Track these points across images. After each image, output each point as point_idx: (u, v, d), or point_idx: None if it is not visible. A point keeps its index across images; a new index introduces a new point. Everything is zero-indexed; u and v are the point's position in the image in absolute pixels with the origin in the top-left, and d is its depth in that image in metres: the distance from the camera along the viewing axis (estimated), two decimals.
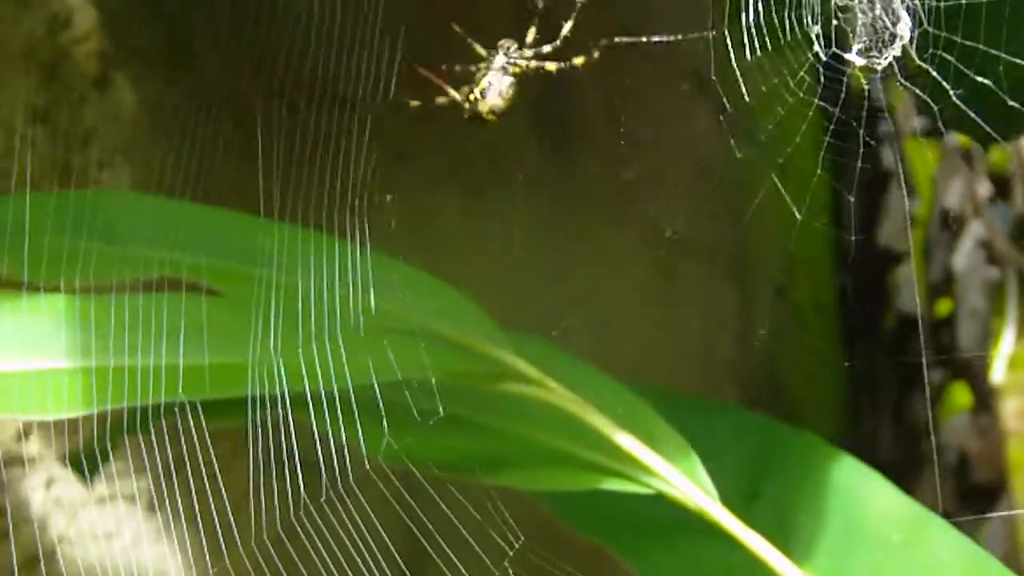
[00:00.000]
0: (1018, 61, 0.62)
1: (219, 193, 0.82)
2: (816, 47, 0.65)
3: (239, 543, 0.74)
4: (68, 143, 1.06)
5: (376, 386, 0.67)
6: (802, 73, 0.66)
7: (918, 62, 0.64)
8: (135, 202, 0.91)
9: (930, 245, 1.61)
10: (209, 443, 0.96)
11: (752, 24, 0.64)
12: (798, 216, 0.69)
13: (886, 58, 0.64)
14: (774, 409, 1.42)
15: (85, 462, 0.83)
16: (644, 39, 0.71)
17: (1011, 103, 0.63)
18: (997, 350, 1.61)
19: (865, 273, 1.55)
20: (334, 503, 0.71)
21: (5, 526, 0.96)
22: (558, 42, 0.75)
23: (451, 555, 0.70)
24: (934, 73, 0.64)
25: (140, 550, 1.04)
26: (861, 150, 0.67)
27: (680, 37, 0.68)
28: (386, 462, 0.72)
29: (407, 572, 0.73)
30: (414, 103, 0.79)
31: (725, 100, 0.66)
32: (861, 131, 0.67)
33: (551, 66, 0.76)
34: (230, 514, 0.75)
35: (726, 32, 0.65)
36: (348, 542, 0.70)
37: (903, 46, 0.64)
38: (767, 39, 0.65)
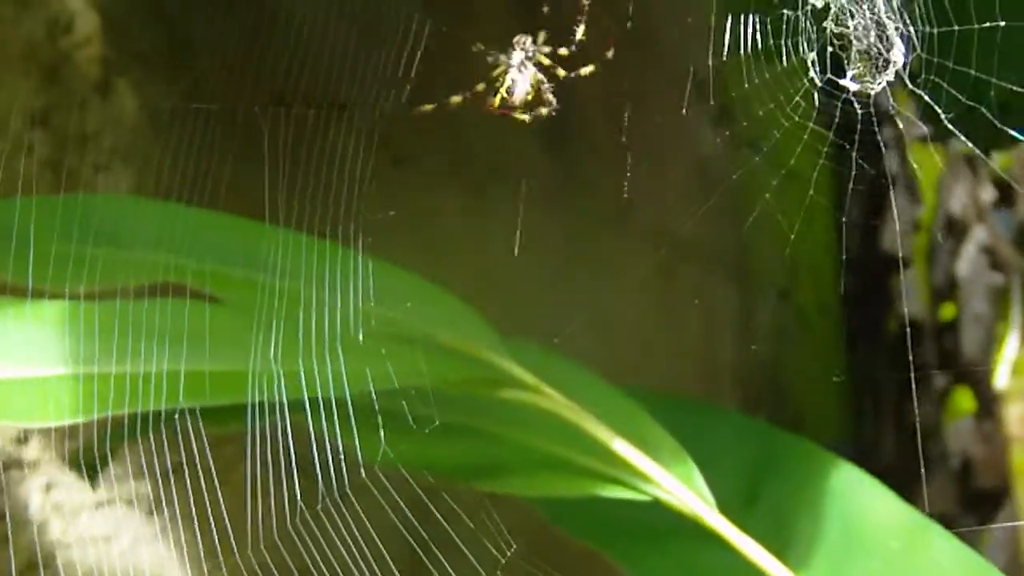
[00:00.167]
0: (1009, 87, 0.63)
1: (219, 197, 0.82)
2: (812, 73, 0.66)
3: (236, 549, 0.74)
4: (68, 147, 1.06)
5: (374, 394, 0.67)
6: (797, 98, 0.66)
7: (911, 87, 0.64)
8: (136, 206, 0.91)
9: (934, 250, 1.61)
10: (208, 448, 0.96)
11: (750, 49, 0.65)
12: (790, 235, 0.70)
13: (879, 83, 0.65)
14: (775, 413, 1.41)
15: (85, 466, 0.83)
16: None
17: (1000, 127, 0.63)
18: (1001, 355, 1.61)
19: (868, 278, 1.54)
20: (330, 510, 0.71)
21: (4, 530, 0.96)
22: (574, 47, 0.76)
23: (445, 563, 0.70)
24: (926, 98, 0.64)
25: (138, 554, 1.04)
26: (845, 155, 0.68)
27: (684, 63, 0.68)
28: (384, 469, 0.72)
29: None
30: (427, 107, 0.79)
31: (721, 111, 0.66)
32: (852, 137, 0.67)
33: (561, 72, 0.76)
34: (227, 520, 0.75)
35: (724, 57, 0.65)
36: (344, 549, 0.70)
37: (896, 71, 0.65)
38: (764, 64, 0.65)
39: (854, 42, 0.65)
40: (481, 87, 0.77)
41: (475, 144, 1.22)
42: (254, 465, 0.73)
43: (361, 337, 0.71)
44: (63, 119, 1.06)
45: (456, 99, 0.78)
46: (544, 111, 0.76)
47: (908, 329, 1.57)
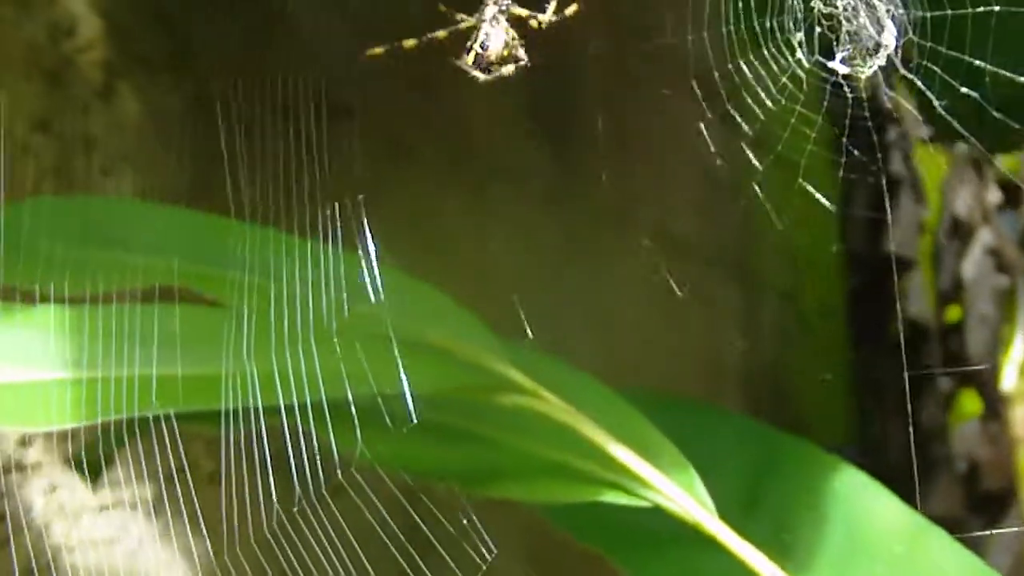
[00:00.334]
0: (1004, 72, 0.62)
1: (221, 200, 0.82)
2: (799, 54, 0.65)
3: (239, 546, 0.75)
4: (72, 151, 1.06)
5: (379, 397, 0.67)
6: (784, 79, 0.66)
7: (903, 72, 0.63)
8: (137, 210, 0.91)
9: (939, 252, 1.60)
10: (211, 450, 0.96)
11: (733, 30, 0.64)
12: (778, 225, 0.69)
13: (870, 67, 0.64)
14: (779, 415, 1.41)
15: (88, 467, 0.83)
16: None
17: (997, 115, 0.63)
18: (1007, 357, 1.60)
19: (873, 279, 1.54)
20: (317, 508, 0.71)
21: (6, 532, 0.96)
22: (550, 14, 0.74)
23: (425, 569, 0.70)
24: (919, 84, 0.63)
25: (141, 556, 1.04)
26: (850, 156, 0.67)
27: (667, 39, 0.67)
28: (377, 472, 0.72)
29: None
30: (377, 50, 0.77)
31: (722, 104, 0.66)
32: (846, 139, 0.66)
33: (544, 17, 0.73)
34: (224, 520, 0.75)
35: (705, 36, 0.65)
36: (340, 543, 0.70)
37: (888, 55, 0.64)
38: (748, 45, 0.64)
39: (843, 23, 0.64)
40: (442, 34, 0.75)
41: (474, 140, 1.22)
42: (252, 464, 0.73)
43: (362, 339, 0.71)
44: (66, 123, 1.06)
45: (410, 42, 0.76)
46: (511, 69, 0.74)
47: (902, 329, 1.57)
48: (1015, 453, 1.59)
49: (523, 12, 0.73)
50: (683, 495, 0.75)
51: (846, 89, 0.64)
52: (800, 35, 0.64)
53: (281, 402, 0.69)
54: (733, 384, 1.43)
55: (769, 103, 0.66)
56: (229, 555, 0.75)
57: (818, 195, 0.67)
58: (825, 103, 0.65)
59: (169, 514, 1.00)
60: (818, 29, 0.64)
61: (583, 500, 0.76)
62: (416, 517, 0.74)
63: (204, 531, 0.79)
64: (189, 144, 0.97)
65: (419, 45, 0.76)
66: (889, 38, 0.63)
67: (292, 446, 0.68)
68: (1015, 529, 1.44)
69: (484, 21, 0.73)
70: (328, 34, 1.12)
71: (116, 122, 1.09)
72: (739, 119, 0.66)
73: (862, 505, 0.83)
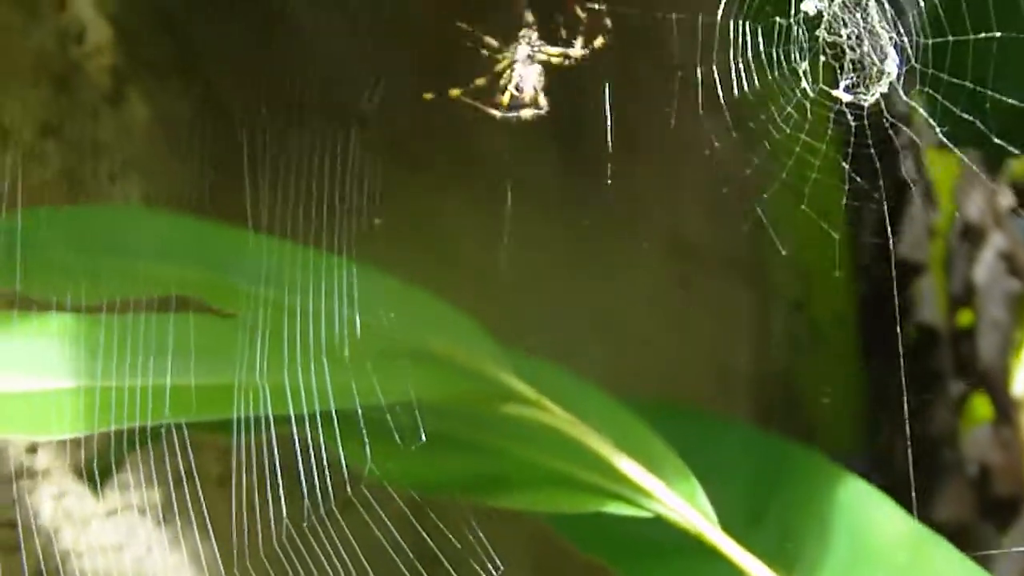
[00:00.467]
0: (1004, 99, 0.62)
1: (230, 207, 0.82)
2: (804, 83, 0.65)
3: (248, 558, 0.75)
4: (81, 157, 1.07)
5: (384, 408, 0.68)
6: (789, 108, 0.66)
7: (905, 99, 0.64)
8: (146, 218, 0.92)
9: (951, 256, 1.60)
10: (219, 456, 0.96)
11: (740, 58, 0.65)
12: (782, 251, 0.69)
13: (873, 94, 0.64)
14: (790, 421, 1.41)
15: (93, 474, 0.84)
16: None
17: (997, 140, 0.63)
18: (1018, 361, 1.60)
19: (884, 284, 1.54)
20: (326, 522, 0.71)
21: (15, 538, 0.97)
22: (579, 48, 0.74)
23: None
24: (920, 110, 0.64)
25: (150, 562, 1.04)
26: (861, 162, 0.67)
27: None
28: (386, 482, 0.73)
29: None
30: (428, 95, 0.78)
31: (729, 130, 0.66)
32: (867, 144, 0.66)
33: (576, 52, 0.74)
34: (234, 527, 0.75)
35: (714, 66, 0.65)
36: (347, 557, 0.70)
37: (890, 83, 0.64)
38: (755, 73, 0.65)
39: (847, 52, 0.65)
40: (481, 82, 0.75)
41: (482, 147, 1.22)
42: (262, 472, 0.73)
43: (373, 354, 0.71)
44: (75, 129, 1.07)
45: (455, 92, 0.76)
46: (530, 113, 0.74)
47: (896, 330, 1.56)
48: None
49: (555, 51, 0.73)
50: (685, 506, 0.75)
51: (849, 116, 0.65)
52: (805, 64, 0.65)
53: (292, 415, 0.69)
54: (742, 392, 1.43)
55: (774, 131, 0.66)
56: (239, 566, 0.75)
57: (822, 223, 0.67)
58: (829, 131, 0.65)
59: (178, 520, 1.00)
60: (822, 58, 0.64)
61: (586, 511, 0.76)
62: (423, 532, 0.74)
63: (212, 537, 0.79)
64: (198, 150, 0.97)
65: (464, 93, 0.77)
66: (892, 65, 0.64)
67: (302, 460, 0.68)
68: (1018, 549, 1.43)
69: (517, 62, 0.73)
70: (336, 40, 1.12)
71: (125, 127, 1.09)
72: (745, 144, 0.66)
73: (866, 515, 0.83)
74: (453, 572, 0.70)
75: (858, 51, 0.64)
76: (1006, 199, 1.59)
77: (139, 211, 0.98)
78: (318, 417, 0.68)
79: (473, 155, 1.20)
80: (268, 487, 0.70)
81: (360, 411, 0.68)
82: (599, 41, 0.72)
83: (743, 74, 0.65)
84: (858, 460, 1.33)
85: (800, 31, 0.65)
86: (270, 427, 0.70)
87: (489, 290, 1.13)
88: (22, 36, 1.04)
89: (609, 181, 0.87)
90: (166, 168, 1.08)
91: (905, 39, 0.64)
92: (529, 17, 0.74)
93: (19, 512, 0.98)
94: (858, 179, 0.66)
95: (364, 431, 0.68)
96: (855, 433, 1.48)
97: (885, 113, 0.65)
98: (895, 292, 1.09)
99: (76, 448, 0.93)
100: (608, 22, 0.70)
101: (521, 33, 0.75)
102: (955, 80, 0.63)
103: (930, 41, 0.64)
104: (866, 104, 0.65)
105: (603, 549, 0.83)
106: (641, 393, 1.23)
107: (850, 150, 0.66)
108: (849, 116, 0.65)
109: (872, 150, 0.67)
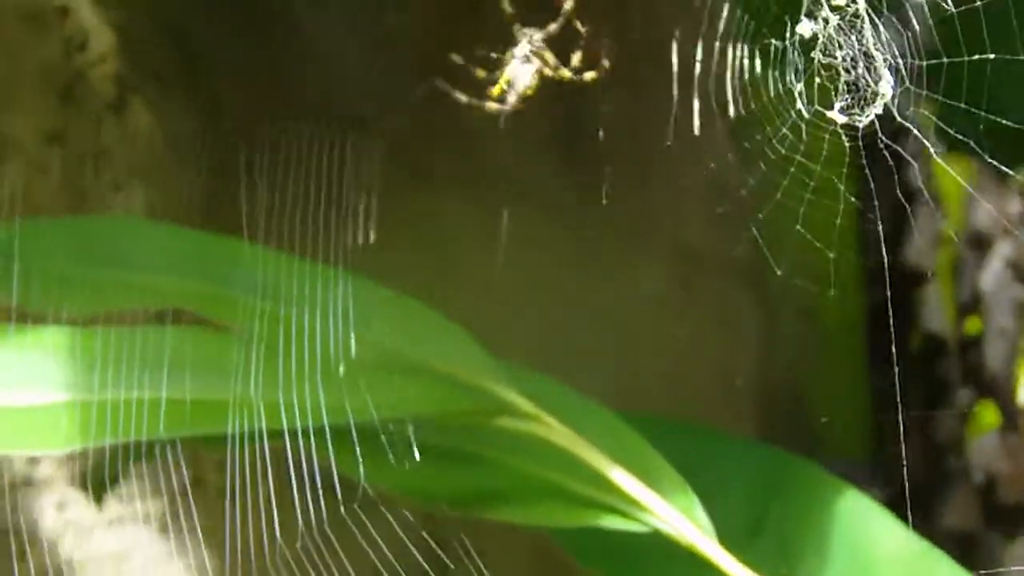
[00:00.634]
0: (998, 120, 0.62)
1: (232, 217, 0.82)
2: (799, 104, 0.65)
3: (253, 565, 0.75)
4: (85, 166, 1.07)
5: (378, 425, 0.67)
6: (784, 129, 0.66)
7: (899, 120, 0.64)
8: (143, 229, 0.92)
9: (958, 264, 1.59)
10: (219, 466, 0.96)
11: (736, 79, 0.65)
12: (777, 272, 0.69)
13: (868, 115, 0.64)
14: (796, 429, 1.40)
15: (95, 486, 0.84)
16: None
17: (990, 160, 0.63)
18: None
19: (892, 292, 1.53)
20: (329, 535, 0.71)
21: (17, 548, 0.97)
22: (570, 70, 0.74)
23: None
24: (915, 131, 0.64)
25: (151, 573, 1.04)
26: (869, 169, 0.67)
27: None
28: (384, 496, 0.72)
29: None
30: (422, 87, 0.77)
31: (725, 148, 0.66)
32: (876, 150, 0.66)
33: (566, 73, 0.74)
34: (239, 538, 0.75)
35: (709, 86, 0.65)
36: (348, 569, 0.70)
37: (885, 104, 0.64)
38: (750, 94, 0.65)
39: (842, 73, 0.65)
40: (482, 73, 0.75)
41: (487, 155, 1.22)
42: (266, 483, 0.73)
43: (369, 368, 0.71)
44: (79, 138, 1.07)
45: (460, 95, 0.76)
46: (512, 103, 0.73)
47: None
48: None
49: (551, 60, 0.73)
50: (682, 519, 0.75)
51: (844, 139, 0.65)
52: (800, 85, 0.65)
53: (286, 429, 0.69)
54: (749, 400, 1.43)
55: (769, 151, 0.66)
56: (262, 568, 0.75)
57: (816, 243, 0.67)
58: (824, 151, 0.65)
59: (181, 529, 1.00)
60: (817, 80, 0.65)
61: (582, 525, 0.76)
62: (425, 543, 0.74)
63: (214, 546, 0.79)
64: (201, 159, 0.98)
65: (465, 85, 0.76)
66: (887, 87, 0.64)
67: (296, 474, 0.68)
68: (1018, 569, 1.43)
69: (515, 58, 0.73)
70: (341, 48, 1.12)
71: (128, 136, 1.09)
72: (742, 164, 0.66)
73: (865, 529, 0.82)
74: None
75: (853, 73, 0.64)
76: (1015, 207, 1.58)
77: (137, 222, 0.98)
78: (313, 432, 0.68)
79: (474, 162, 1.20)
80: (261, 500, 0.70)
81: (356, 426, 0.68)
82: (590, 75, 0.72)
83: (739, 95, 0.65)
84: (864, 468, 1.32)
85: (795, 53, 0.65)
86: (264, 442, 0.70)
87: (489, 297, 1.13)
88: (26, 45, 1.04)
89: (606, 194, 0.87)
90: (170, 177, 1.08)
91: (900, 61, 0.64)
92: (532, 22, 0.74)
93: (22, 521, 0.99)
94: (853, 199, 0.66)
95: (359, 446, 0.68)
96: (862, 441, 1.47)
97: (880, 134, 0.65)
98: (888, 303, 1.09)
99: (78, 458, 0.94)
100: (606, 62, 0.70)
101: (524, 30, 0.74)
102: (950, 101, 0.63)
103: (924, 63, 0.64)
104: (861, 125, 0.65)
105: (602, 562, 0.83)
106: (644, 401, 1.24)
107: (844, 170, 0.66)
108: (844, 138, 0.65)
109: (868, 171, 0.67)
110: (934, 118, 0.64)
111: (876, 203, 0.67)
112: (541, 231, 1.24)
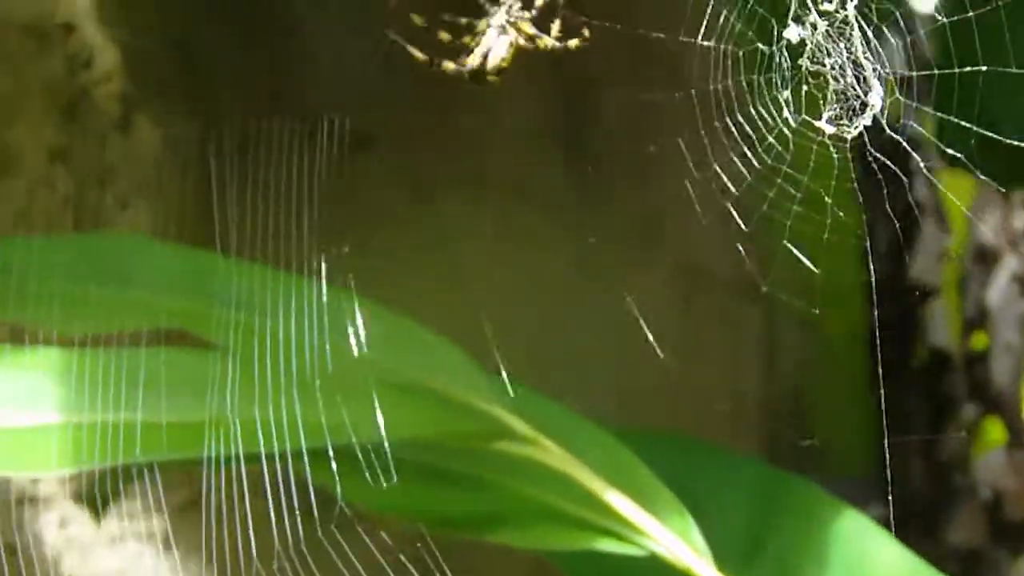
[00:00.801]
0: (989, 134, 0.61)
1: (236, 233, 0.82)
2: (786, 112, 0.64)
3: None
4: (89, 183, 1.07)
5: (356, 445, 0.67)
6: (771, 138, 0.65)
7: (888, 132, 0.63)
8: (147, 247, 0.92)
9: (964, 279, 1.59)
10: (224, 484, 0.96)
11: (719, 83, 0.64)
12: (763, 287, 0.69)
13: (856, 127, 0.63)
14: (799, 446, 1.40)
15: (99, 501, 0.84)
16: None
17: (981, 176, 0.63)
18: None
19: (897, 307, 1.53)
20: (325, 549, 0.71)
21: (18, 565, 0.97)
22: (552, 39, 0.72)
23: None
24: (904, 143, 0.63)
25: None
26: (873, 182, 0.67)
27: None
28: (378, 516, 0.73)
29: None
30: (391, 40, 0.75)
31: (709, 161, 0.66)
32: (882, 164, 0.66)
33: (547, 41, 0.71)
34: (241, 553, 0.75)
35: (692, 90, 0.64)
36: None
37: (874, 115, 0.63)
38: (735, 102, 0.64)
39: (830, 82, 0.64)
40: (446, 37, 0.72)
41: (491, 163, 1.22)
42: (268, 499, 0.73)
43: (368, 386, 0.71)
44: (83, 156, 1.07)
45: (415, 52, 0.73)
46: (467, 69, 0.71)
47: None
48: None
49: (530, 29, 0.71)
50: (678, 542, 0.75)
51: (832, 149, 0.64)
52: (787, 93, 0.64)
53: (263, 451, 0.69)
54: (755, 414, 1.42)
55: (755, 161, 0.65)
56: None
57: (804, 259, 0.67)
58: (812, 162, 0.65)
59: (184, 545, 1.00)
60: (805, 88, 0.64)
61: (578, 547, 0.76)
62: (424, 559, 0.74)
63: (215, 561, 0.80)
64: (205, 176, 0.98)
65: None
66: (876, 98, 0.63)
67: (272, 496, 0.68)
68: None
69: (491, 27, 0.71)
70: (347, 62, 1.12)
71: (133, 154, 1.09)
72: (725, 178, 0.66)
73: (863, 550, 0.82)
74: None
75: (842, 82, 0.63)
76: (1020, 221, 1.58)
77: (139, 239, 0.98)
78: (288, 454, 0.68)
79: (476, 169, 1.20)
80: (248, 517, 0.70)
81: (330, 447, 0.68)
82: (574, 42, 0.70)
83: (723, 100, 0.64)
84: (868, 485, 1.32)
85: (782, 59, 0.64)
86: (274, 462, 0.70)
87: (489, 298, 1.13)
88: (31, 62, 1.05)
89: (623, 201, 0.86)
90: (173, 195, 1.08)
91: (889, 71, 0.63)
92: None
93: (27, 537, 0.99)
94: (841, 213, 0.65)
95: (354, 465, 0.68)
96: (865, 458, 1.47)
97: (869, 146, 0.64)
98: (877, 319, 1.08)
99: (78, 476, 0.94)
100: (586, 32, 0.69)
101: None
102: (940, 114, 0.62)
103: (915, 74, 0.63)
104: (849, 137, 0.64)
105: None
106: (647, 414, 1.24)
107: (833, 183, 0.65)
108: (832, 149, 0.64)
109: (866, 185, 0.66)
110: (925, 132, 0.64)
111: (878, 217, 0.67)
112: (541, 231, 1.24)
